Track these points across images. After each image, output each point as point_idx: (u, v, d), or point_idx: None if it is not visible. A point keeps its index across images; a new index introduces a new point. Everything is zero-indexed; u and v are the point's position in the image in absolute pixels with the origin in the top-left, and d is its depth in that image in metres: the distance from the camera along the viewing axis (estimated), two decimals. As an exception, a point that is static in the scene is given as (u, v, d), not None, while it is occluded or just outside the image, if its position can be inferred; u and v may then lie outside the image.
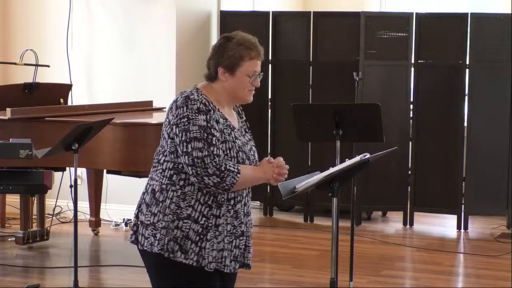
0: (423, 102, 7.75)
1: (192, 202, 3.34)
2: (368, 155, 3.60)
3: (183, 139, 3.30)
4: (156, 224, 3.34)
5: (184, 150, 3.29)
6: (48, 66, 7.49)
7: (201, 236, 3.34)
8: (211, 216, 3.35)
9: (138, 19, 7.68)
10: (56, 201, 7.58)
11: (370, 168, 3.71)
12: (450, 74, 7.69)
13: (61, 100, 7.20)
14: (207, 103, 3.34)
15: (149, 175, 3.45)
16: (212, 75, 3.43)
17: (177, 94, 3.45)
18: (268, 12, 8.10)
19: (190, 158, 3.28)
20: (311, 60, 7.90)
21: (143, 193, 3.45)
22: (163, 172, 3.37)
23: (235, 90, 3.43)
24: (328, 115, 5.12)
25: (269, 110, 8.10)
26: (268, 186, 8.09)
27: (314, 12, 7.96)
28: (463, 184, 7.70)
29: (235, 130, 3.43)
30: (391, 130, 7.30)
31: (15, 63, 7.42)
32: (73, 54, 7.78)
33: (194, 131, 3.29)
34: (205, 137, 3.28)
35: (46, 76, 7.57)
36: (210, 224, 3.35)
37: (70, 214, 7.45)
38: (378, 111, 5.18)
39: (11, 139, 5.49)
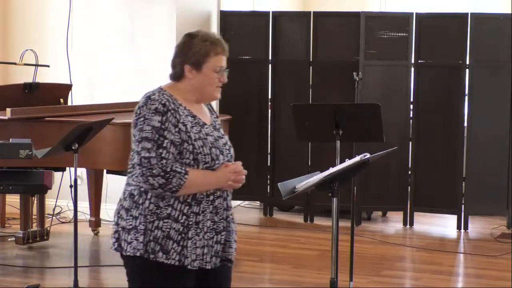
0: (423, 102, 7.74)
1: (171, 201, 3.31)
2: (368, 155, 3.60)
3: (136, 138, 3.31)
4: (138, 227, 3.32)
5: (135, 149, 3.30)
6: (48, 66, 7.49)
7: (183, 235, 3.31)
8: (191, 214, 3.33)
9: (138, 19, 7.68)
10: (56, 201, 7.58)
11: (370, 168, 3.71)
12: (450, 74, 7.69)
13: (61, 100, 7.20)
14: (167, 103, 3.33)
15: (126, 181, 3.42)
16: (178, 74, 3.44)
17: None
18: (268, 12, 8.10)
19: (138, 158, 3.28)
20: (311, 60, 7.90)
21: (120, 200, 3.43)
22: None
23: (203, 86, 3.42)
24: (328, 115, 5.12)
25: (269, 110, 8.10)
26: (268, 186, 8.09)
27: (314, 12, 7.96)
28: (463, 184, 7.71)
29: (205, 126, 3.41)
30: (391, 130, 7.30)
31: (15, 63, 7.42)
32: (73, 54, 7.78)
33: (147, 131, 3.28)
34: (155, 139, 3.27)
35: (46, 76, 7.57)
36: (190, 222, 3.32)
37: (70, 214, 7.45)
38: (378, 111, 5.18)
39: (11, 139, 5.49)
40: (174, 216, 3.31)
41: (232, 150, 3.48)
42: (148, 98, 3.36)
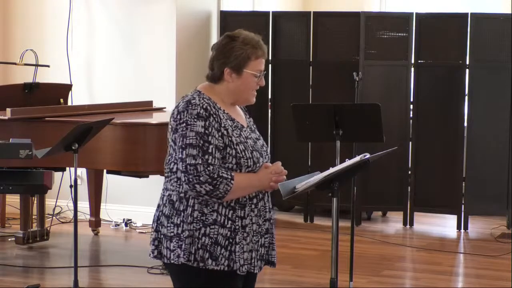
0: (423, 102, 7.74)
1: (216, 206, 3.26)
2: (368, 155, 3.59)
3: (179, 144, 3.23)
4: (181, 235, 3.25)
5: (179, 156, 3.23)
6: (48, 66, 7.49)
7: (230, 240, 3.27)
8: (237, 218, 3.28)
9: (138, 19, 7.68)
10: (56, 201, 7.58)
11: (370, 168, 3.71)
12: (450, 74, 7.69)
13: (61, 100, 7.20)
14: (209, 107, 3.25)
15: (163, 186, 3.36)
16: (216, 76, 3.35)
17: (177, 96, 3.42)
18: (268, 12, 8.10)
19: (183, 165, 3.21)
20: (311, 60, 7.90)
21: (159, 206, 3.35)
22: (178, 181, 3.28)
23: (241, 91, 3.35)
24: (328, 115, 5.12)
25: (269, 110, 8.10)
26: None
27: (314, 12, 7.96)
28: (463, 184, 7.70)
29: (244, 129, 3.37)
30: (391, 130, 7.30)
31: (15, 63, 7.42)
32: (73, 54, 7.78)
33: (191, 137, 3.21)
34: (200, 144, 3.20)
35: (46, 76, 7.57)
36: (237, 227, 3.28)
37: (70, 214, 7.45)
38: (378, 111, 5.18)
39: (11, 139, 5.48)
40: (220, 222, 3.26)
41: (268, 150, 3.45)
42: (188, 102, 3.26)
